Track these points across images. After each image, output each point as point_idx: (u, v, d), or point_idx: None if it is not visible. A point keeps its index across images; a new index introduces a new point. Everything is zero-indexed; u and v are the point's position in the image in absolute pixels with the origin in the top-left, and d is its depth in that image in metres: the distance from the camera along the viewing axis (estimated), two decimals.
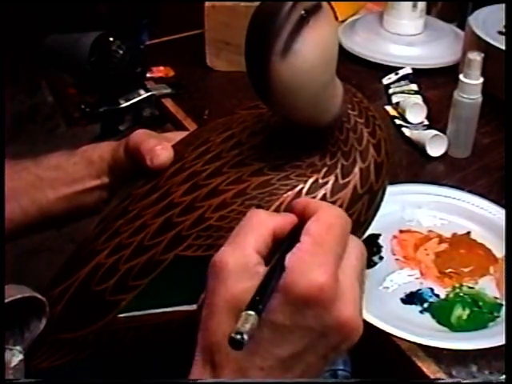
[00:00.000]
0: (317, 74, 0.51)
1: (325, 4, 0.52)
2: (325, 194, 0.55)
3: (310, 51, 0.50)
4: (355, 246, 0.50)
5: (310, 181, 0.55)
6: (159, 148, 0.62)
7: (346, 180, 0.56)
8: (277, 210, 0.54)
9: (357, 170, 0.56)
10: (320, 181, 0.55)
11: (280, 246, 0.49)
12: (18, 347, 0.54)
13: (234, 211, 0.55)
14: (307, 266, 0.46)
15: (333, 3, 0.53)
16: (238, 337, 0.42)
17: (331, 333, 0.47)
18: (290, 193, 0.55)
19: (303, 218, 0.50)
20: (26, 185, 0.69)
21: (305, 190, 0.55)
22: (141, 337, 0.58)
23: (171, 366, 0.63)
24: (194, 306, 0.55)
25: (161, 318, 0.57)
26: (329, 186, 0.55)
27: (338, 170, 0.56)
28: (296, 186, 0.55)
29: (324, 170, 0.56)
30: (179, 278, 0.56)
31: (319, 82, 0.52)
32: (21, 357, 0.54)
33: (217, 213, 0.55)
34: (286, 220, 0.51)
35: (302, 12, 0.49)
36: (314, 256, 0.47)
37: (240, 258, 0.47)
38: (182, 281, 0.56)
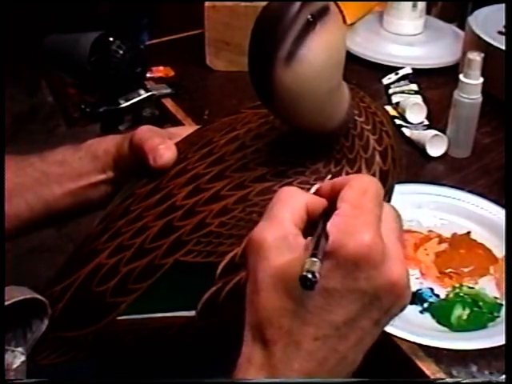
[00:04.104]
0: (322, 81, 0.50)
1: (333, 7, 0.50)
2: None
3: (316, 58, 0.49)
4: (390, 210, 0.50)
5: (312, 190, 0.54)
6: (162, 147, 0.61)
7: None
8: None
9: None
10: None
11: (316, 223, 0.48)
12: (20, 349, 0.54)
13: (235, 218, 0.54)
14: (351, 228, 0.45)
15: (341, 5, 0.51)
16: (310, 275, 0.41)
17: (383, 294, 0.47)
18: None
19: (333, 199, 0.49)
20: (32, 181, 0.69)
21: None
22: (140, 340, 0.58)
23: (170, 370, 0.64)
24: (192, 313, 0.55)
25: (159, 323, 0.57)
26: None
27: None
28: None
29: (328, 177, 0.55)
30: (178, 283, 0.56)
31: (325, 88, 0.51)
32: (23, 358, 0.54)
33: (217, 219, 0.55)
34: (317, 199, 0.50)
35: (309, 16, 0.48)
36: (355, 218, 0.46)
37: (278, 231, 0.47)
38: (182, 286, 0.56)
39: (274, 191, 0.54)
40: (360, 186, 0.48)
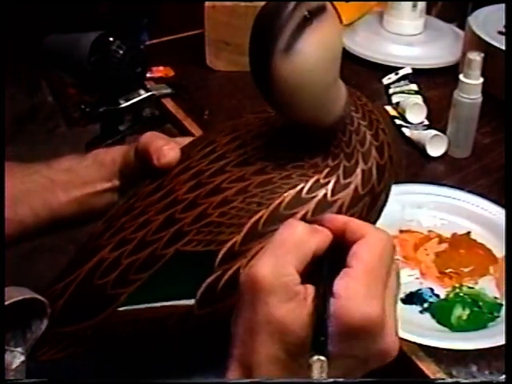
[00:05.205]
0: (319, 74, 0.52)
1: (329, 7, 0.52)
2: (325, 194, 0.55)
3: (313, 51, 0.51)
4: (395, 269, 0.50)
5: (312, 180, 0.56)
6: (166, 148, 0.62)
7: (348, 181, 0.56)
8: (277, 208, 0.55)
9: (359, 171, 0.56)
10: (321, 181, 0.56)
11: (317, 266, 0.49)
12: (20, 349, 0.54)
13: (235, 208, 0.55)
14: (361, 298, 0.46)
15: (338, 7, 0.53)
16: None
17: (373, 360, 0.48)
18: (290, 191, 0.55)
19: (343, 237, 0.50)
20: (38, 187, 0.69)
21: (305, 189, 0.55)
22: (139, 331, 0.59)
23: (169, 363, 0.64)
24: (192, 301, 0.55)
25: (159, 312, 0.57)
26: (330, 185, 0.56)
27: (340, 171, 0.56)
28: (297, 185, 0.55)
29: (326, 170, 0.56)
30: (179, 272, 0.56)
31: (321, 81, 0.53)
32: (22, 358, 0.54)
33: (218, 209, 0.56)
34: (326, 239, 0.51)
35: (306, 13, 0.50)
36: (366, 286, 0.47)
37: (281, 277, 0.47)
38: (182, 275, 0.56)
39: (273, 182, 0.55)
40: (377, 247, 0.49)
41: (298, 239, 0.49)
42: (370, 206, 0.57)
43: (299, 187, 0.55)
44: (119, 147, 0.71)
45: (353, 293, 0.46)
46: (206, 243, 0.55)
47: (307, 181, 0.56)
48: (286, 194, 0.55)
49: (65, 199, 0.69)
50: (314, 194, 0.55)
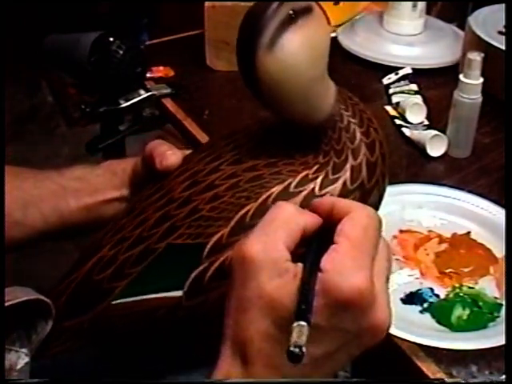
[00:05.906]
0: (302, 70, 0.54)
1: (316, 8, 0.54)
2: (313, 188, 0.56)
3: (296, 47, 0.53)
4: (384, 247, 0.51)
5: (300, 176, 0.57)
6: (169, 152, 0.64)
7: (336, 176, 0.57)
8: (265, 202, 0.56)
9: (348, 166, 0.57)
10: (310, 176, 0.57)
11: (307, 245, 0.50)
12: (24, 349, 0.54)
13: (225, 202, 0.57)
14: (348, 270, 0.47)
15: (327, 8, 0.55)
16: (297, 350, 0.43)
17: (365, 334, 0.48)
18: (279, 186, 0.56)
19: (331, 218, 0.51)
20: (49, 193, 0.70)
21: (294, 184, 0.56)
22: (132, 324, 0.60)
23: (163, 355, 0.64)
24: (180, 293, 0.56)
25: (149, 305, 0.58)
26: (318, 180, 0.57)
27: (330, 167, 0.57)
28: (285, 180, 0.57)
29: (316, 166, 0.57)
30: (170, 265, 0.58)
31: (305, 77, 0.54)
32: (26, 359, 0.54)
33: (209, 204, 0.57)
34: (314, 219, 0.51)
35: (290, 12, 0.53)
36: (353, 259, 0.47)
37: (271, 253, 0.48)
38: (172, 268, 0.58)
39: (263, 178, 0.57)
40: (361, 222, 0.49)
41: (287, 216, 0.50)
42: (360, 201, 0.57)
43: (287, 182, 0.57)
44: (130, 158, 0.72)
45: (339, 266, 0.47)
46: (195, 236, 0.57)
47: (296, 176, 0.57)
48: (274, 189, 0.56)
49: (75, 206, 0.70)
50: (302, 188, 0.56)
